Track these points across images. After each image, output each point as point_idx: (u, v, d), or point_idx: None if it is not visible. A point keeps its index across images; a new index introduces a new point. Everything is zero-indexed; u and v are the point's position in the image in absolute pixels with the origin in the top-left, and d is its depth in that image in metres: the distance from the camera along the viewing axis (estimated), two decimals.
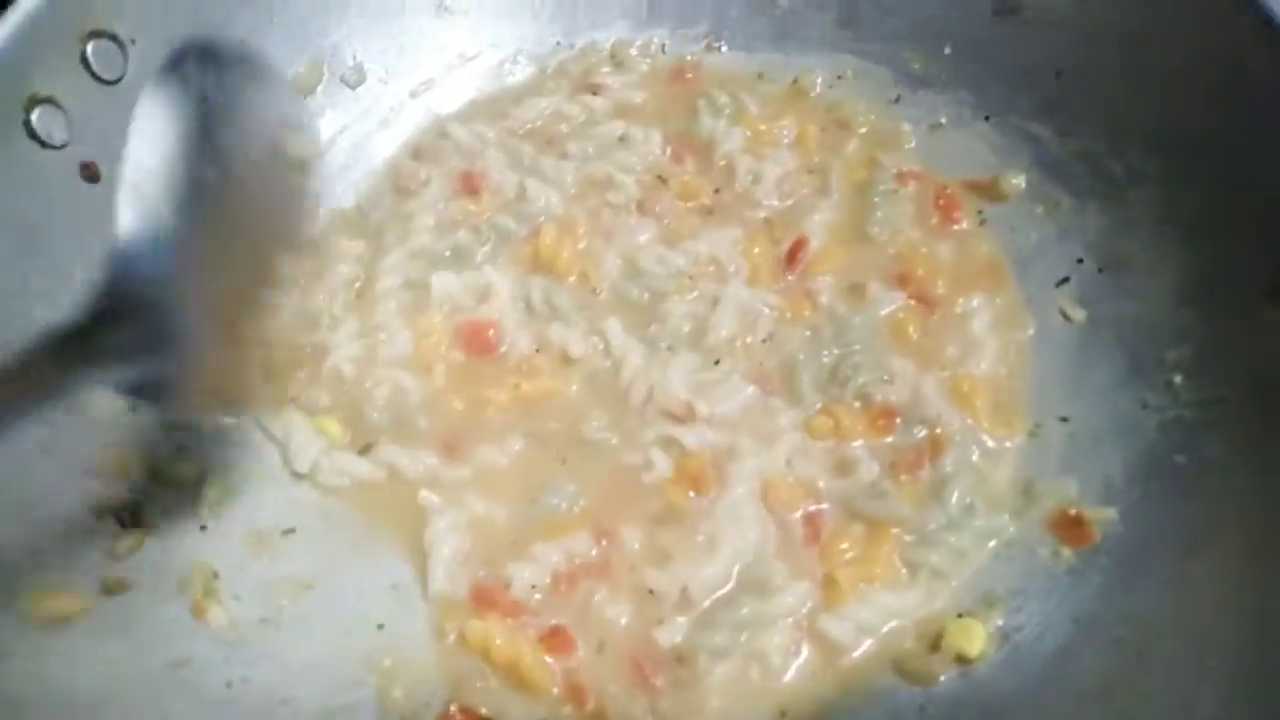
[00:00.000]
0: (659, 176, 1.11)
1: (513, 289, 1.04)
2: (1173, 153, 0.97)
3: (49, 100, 0.86)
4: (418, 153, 1.15)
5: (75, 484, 0.81)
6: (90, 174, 0.91)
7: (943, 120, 1.15)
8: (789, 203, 1.11)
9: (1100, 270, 1.01)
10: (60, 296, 0.87)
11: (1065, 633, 0.83)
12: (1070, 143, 1.06)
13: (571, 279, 1.04)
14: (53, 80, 0.86)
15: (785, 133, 1.15)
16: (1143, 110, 1.00)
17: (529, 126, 1.16)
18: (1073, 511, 0.90)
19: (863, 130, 1.16)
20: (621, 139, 1.14)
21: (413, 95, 1.18)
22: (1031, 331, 1.01)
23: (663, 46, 1.23)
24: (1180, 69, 0.96)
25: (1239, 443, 0.84)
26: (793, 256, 1.06)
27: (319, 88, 1.12)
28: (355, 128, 1.15)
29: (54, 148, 0.87)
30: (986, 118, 1.13)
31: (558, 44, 1.22)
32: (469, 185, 1.10)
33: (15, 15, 0.83)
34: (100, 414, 0.86)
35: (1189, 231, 0.95)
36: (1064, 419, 0.96)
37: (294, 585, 0.89)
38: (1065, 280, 1.02)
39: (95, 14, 0.89)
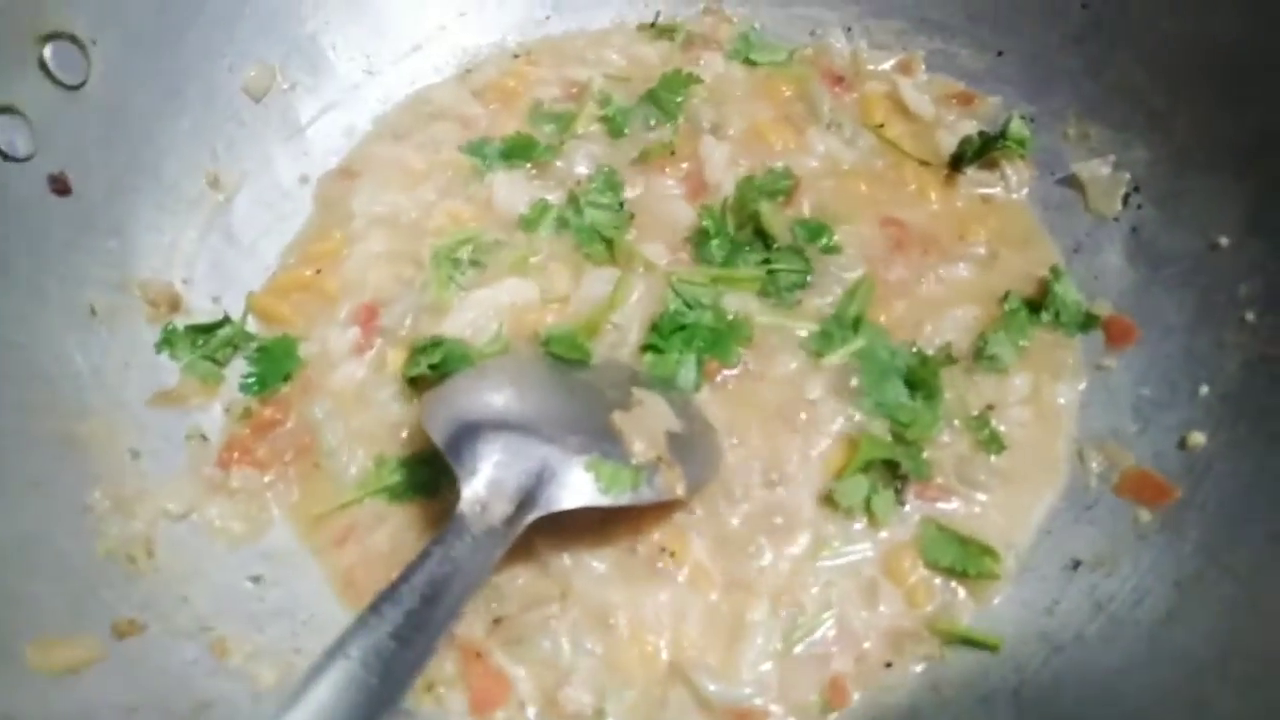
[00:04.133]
0: None
1: None
2: (1217, 75, 0.91)
3: (9, 109, 0.79)
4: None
5: (75, 523, 0.74)
6: (60, 187, 0.84)
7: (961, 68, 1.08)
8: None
9: (1156, 206, 0.94)
10: (36, 319, 0.80)
11: (1167, 598, 0.75)
12: (1106, 76, 0.99)
13: None
14: (11, 88, 0.79)
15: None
16: (1179, 34, 0.94)
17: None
18: (1140, 469, 0.84)
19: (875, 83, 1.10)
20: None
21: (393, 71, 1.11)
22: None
23: (656, 18, 1.16)
24: None
25: None
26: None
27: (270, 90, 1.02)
28: (337, 106, 1.08)
29: (17, 160, 0.80)
30: (1000, 52, 1.07)
31: (547, 18, 1.15)
32: None
33: None
34: (99, 453, 0.79)
35: (1247, 157, 0.88)
36: (1129, 368, 0.89)
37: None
38: (1117, 218, 0.96)
39: (49, 15, 0.82)
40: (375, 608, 0.65)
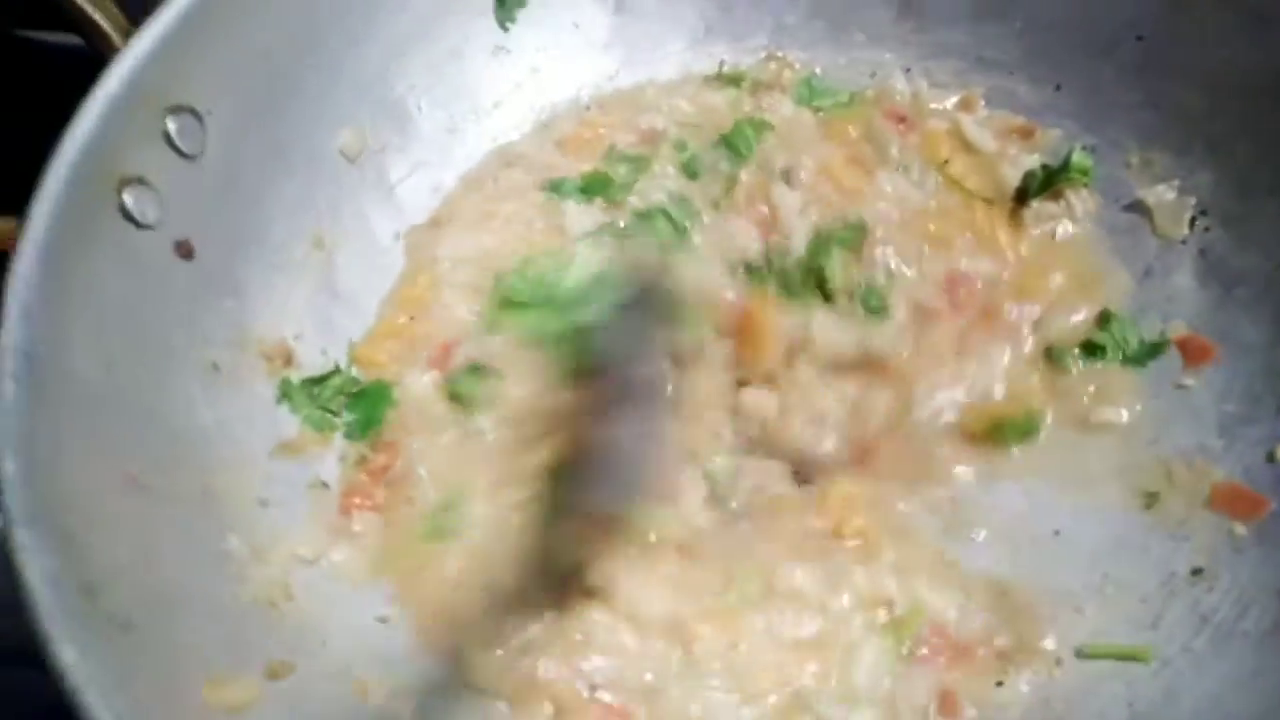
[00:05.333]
0: None
1: None
2: (1275, 100, 0.95)
3: (139, 180, 0.83)
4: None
5: (220, 570, 0.77)
6: (184, 251, 0.88)
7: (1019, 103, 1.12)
8: None
9: (1224, 227, 0.97)
10: (168, 379, 0.84)
11: (1271, 608, 0.78)
12: (1164, 105, 1.03)
13: None
14: (140, 159, 0.84)
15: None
16: (1233, 63, 0.97)
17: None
18: (1230, 483, 0.86)
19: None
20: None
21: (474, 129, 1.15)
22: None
23: (720, 66, 1.20)
24: (1268, 11, 0.94)
25: None
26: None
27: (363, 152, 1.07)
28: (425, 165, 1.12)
29: (148, 227, 0.84)
30: (1058, 86, 1.11)
31: (617, 71, 1.19)
32: None
33: (98, 98, 0.80)
34: (233, 503, 0.83)
35: None
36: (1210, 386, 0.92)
37: None
38: (1185, 241, 0.99)
39: (173, 89, 0.86)
40: None
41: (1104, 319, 0.97)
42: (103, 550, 0.67)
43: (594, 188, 1.09)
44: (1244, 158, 0.97)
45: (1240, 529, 0.84)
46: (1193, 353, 0.95)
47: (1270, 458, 0.86)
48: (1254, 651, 0.76)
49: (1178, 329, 0.96)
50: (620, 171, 1.11)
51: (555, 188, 1.10)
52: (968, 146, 1.11)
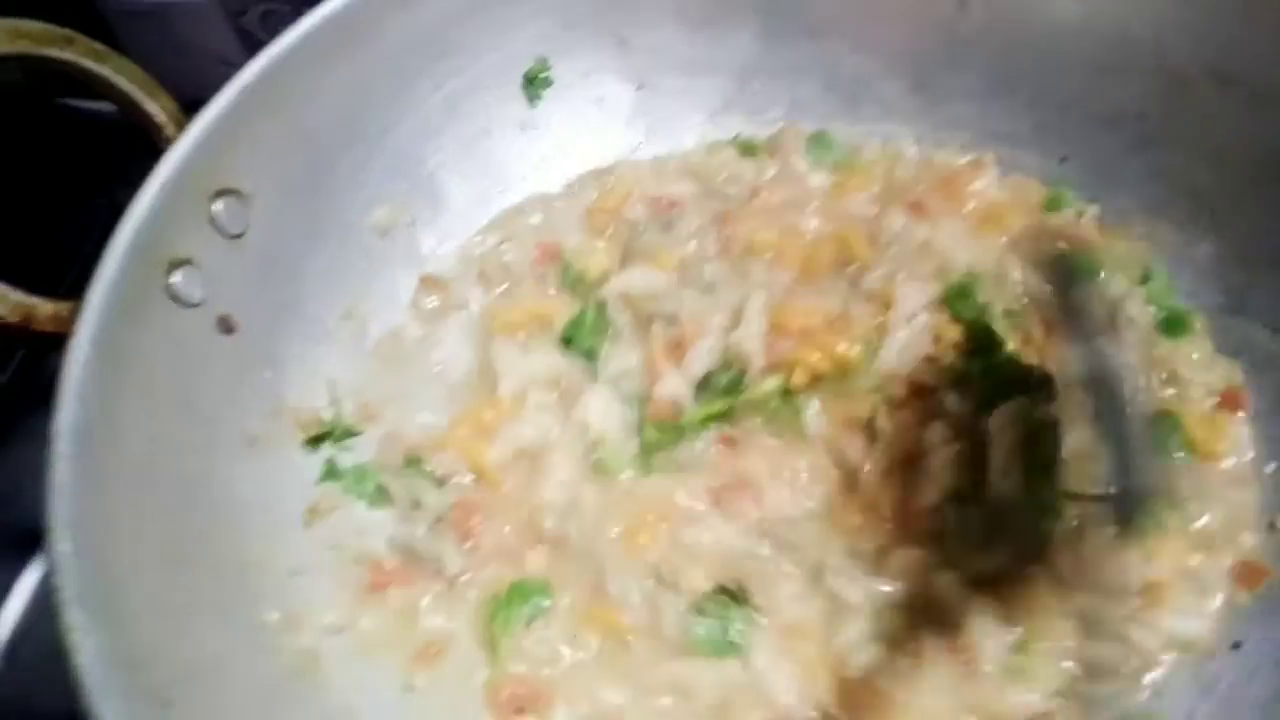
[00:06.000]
0: None
1: None
2: (1275, 179, 0.98)
3: (187, 262, 0.88)
4: None
5: (254, 641, 0.81)
6: (226, 327, 0.93)
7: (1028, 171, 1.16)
8: None
9: (1225, 297, 1.00)
10: (212, 451, 0.89)
11: (1273, 677, 0.80)
12: (1166, 179, 1.06)
13: None
14: (188, 242, 0.88)
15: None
16: (1234, 143, 1.01)
17: None
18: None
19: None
20: None
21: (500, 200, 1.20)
22: None
23: (736, 136, 1.25)
24: (1265, 91, 0.97)
25: None
26: None
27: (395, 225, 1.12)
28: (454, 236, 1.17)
29: (193, 306, 0.89)
30: (1064, 158, 1.14)
31: (639, 144, 1.24)
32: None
33: (152, 187, 0.85)
34: (263, 577, 0.87)
35: None
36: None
37: None
38: None
39: (222, 174, 0.92)
40: None
41: None
42: (146, 626, 0.70)
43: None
44: (1245, 230, 1.00)
45: (1244, 598, 0.86)
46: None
47: (1271, 527, 0.88)
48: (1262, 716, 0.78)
49: None
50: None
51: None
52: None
